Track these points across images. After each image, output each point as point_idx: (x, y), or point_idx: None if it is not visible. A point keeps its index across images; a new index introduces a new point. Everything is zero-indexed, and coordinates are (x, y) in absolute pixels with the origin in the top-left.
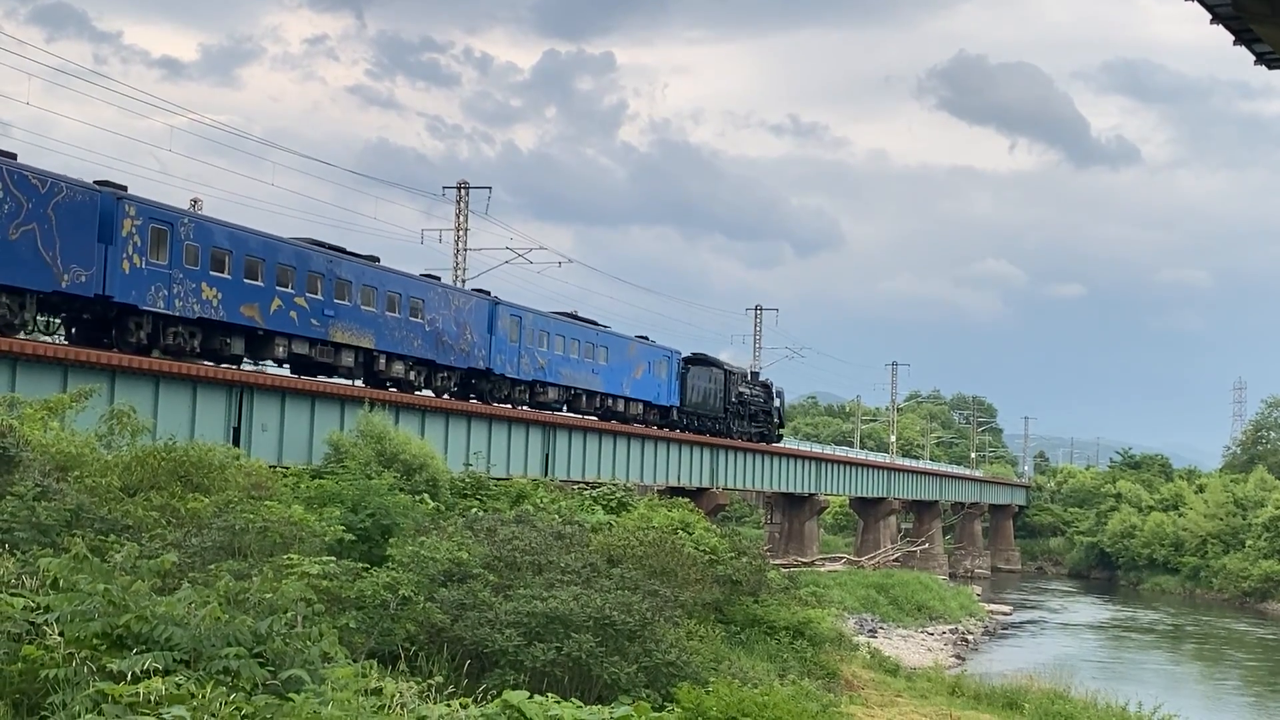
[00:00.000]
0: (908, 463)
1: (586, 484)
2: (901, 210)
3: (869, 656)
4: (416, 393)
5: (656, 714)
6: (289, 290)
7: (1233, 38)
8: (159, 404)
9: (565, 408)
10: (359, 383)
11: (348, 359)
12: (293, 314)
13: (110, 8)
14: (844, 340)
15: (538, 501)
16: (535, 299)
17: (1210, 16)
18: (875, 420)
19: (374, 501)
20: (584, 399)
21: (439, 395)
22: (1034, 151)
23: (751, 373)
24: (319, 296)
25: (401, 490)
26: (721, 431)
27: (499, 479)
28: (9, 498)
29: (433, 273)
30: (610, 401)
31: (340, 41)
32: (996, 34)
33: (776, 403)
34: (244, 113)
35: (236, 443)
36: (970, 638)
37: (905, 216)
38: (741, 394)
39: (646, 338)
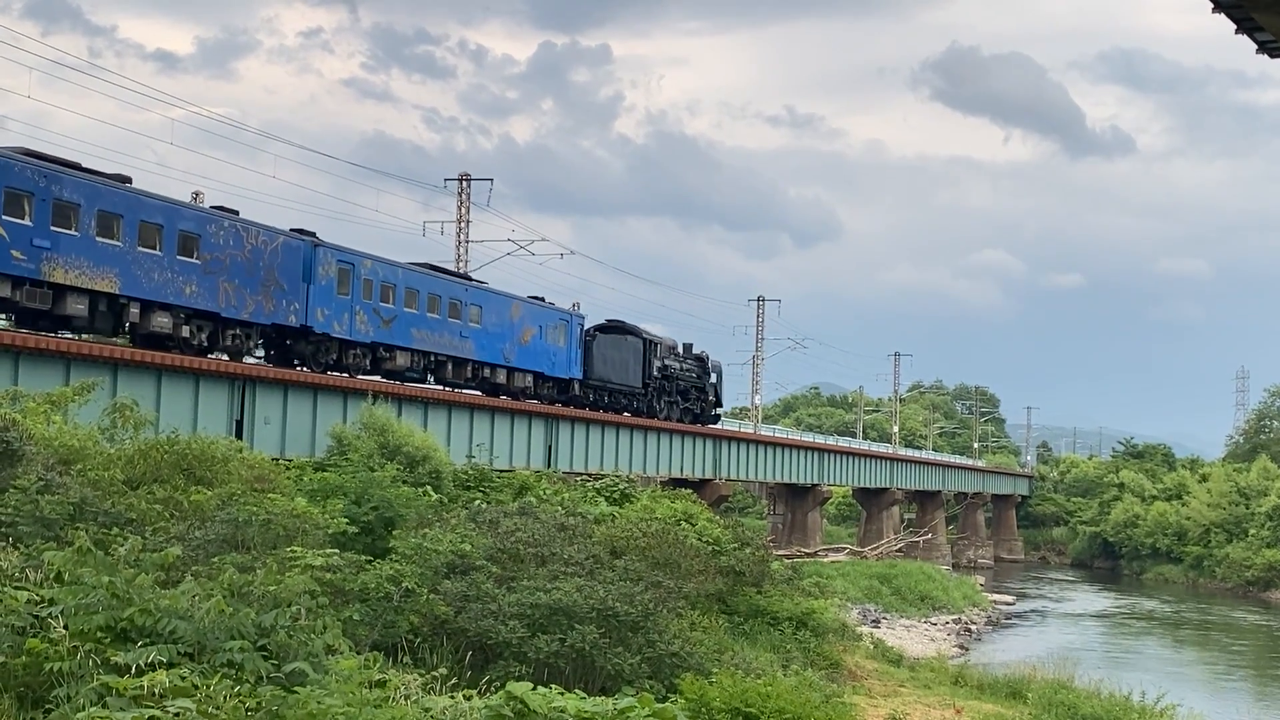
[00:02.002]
0: (910, 453)
1: (589, 476)
2: (899, 201)
3: (872, 647)
4: (210, 356)
5: (660, 705)
6: None
7: (1234, 26)
8: (161, 397)
9: (430, 378)
10: (99, 339)
11: (77, 306)
12: None
13: (104, 2)
14: (844, 331)
15: (541, 493)
16: (537, 290)
17: (1212, 5)
18: (878, 411)
19: (377, 494)
20: (450, 368)
21: (235, 358)
22: (1028, 142)
23: (684, 345)
24: (25, 221)
25: (404, 482)
26: (641, 410)
27: (502, 471)
28: (12, 491)
29: (435, 263)
30: (487, 371)
31: (335, 34)
32: (992, 25)
33: (713, 378)
34: (240, 105)
35: (239, 436)
36: (973, 628)
37: (903, 207)
38: (667, 367)
39: (542, 299)
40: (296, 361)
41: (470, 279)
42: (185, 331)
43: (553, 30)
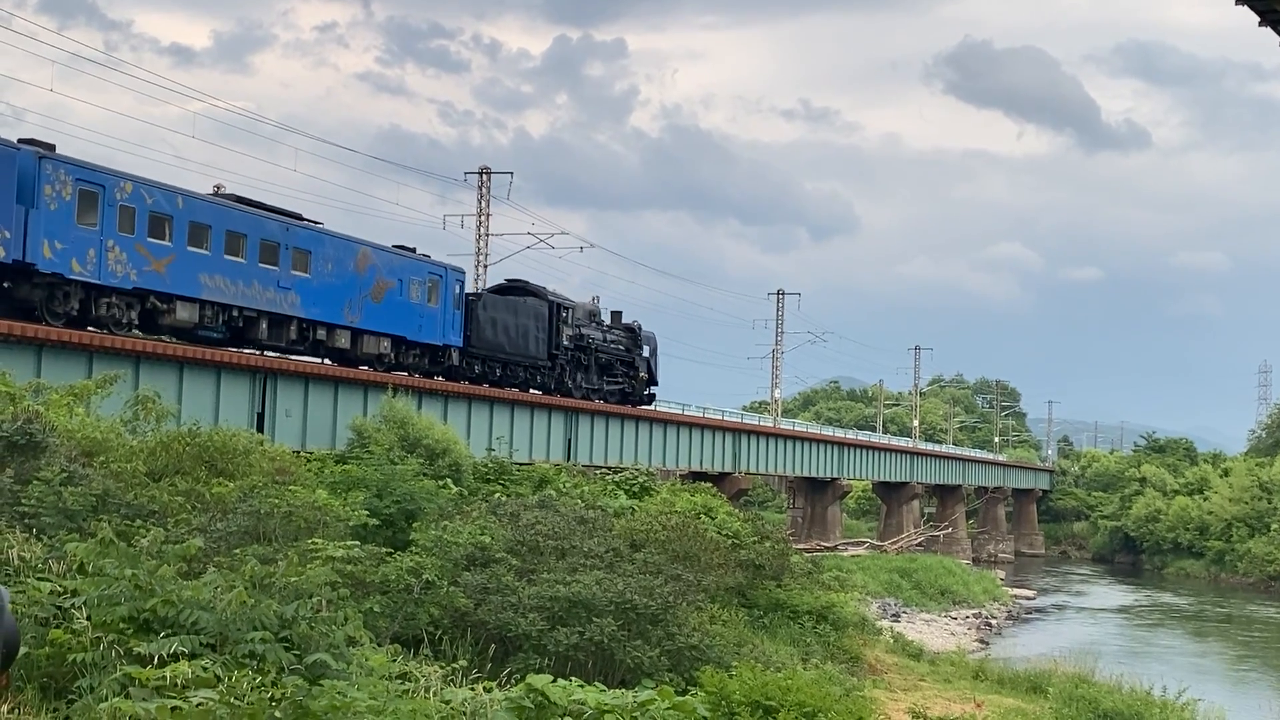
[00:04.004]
0: (931, 447)
1: (609, 469)
2: (916, 194)
3: (892, 641)
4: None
5: (680, 698)
6: None
7: (1257, 19)
8: (183, 390)
9: (238, 342)
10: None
11: None
12: None
13: None
14: (862, 324)
15: (560, 486)
16: (556, 284)
17: None
18: (898, 405)
19: (398, 486)
20: (264, 327)
21: None
22: (1043, 137)
23: (614, 313)
24: None
25: (425, 475)
26: (548, 387)
27: (521, 464)
28: (36, 483)
29: (456, 257)
30: (322, 333)
31: (349, 28)
32: (1005, 18)
33: (645, 352)
34: (256, 99)
35: (260, 428)
36: (994, 622)
37: (920, 200)
38: (584, 337)
39: (412, 249)
40: (35, 311)
41: (299, 217)
42: None
43: (567, 24)
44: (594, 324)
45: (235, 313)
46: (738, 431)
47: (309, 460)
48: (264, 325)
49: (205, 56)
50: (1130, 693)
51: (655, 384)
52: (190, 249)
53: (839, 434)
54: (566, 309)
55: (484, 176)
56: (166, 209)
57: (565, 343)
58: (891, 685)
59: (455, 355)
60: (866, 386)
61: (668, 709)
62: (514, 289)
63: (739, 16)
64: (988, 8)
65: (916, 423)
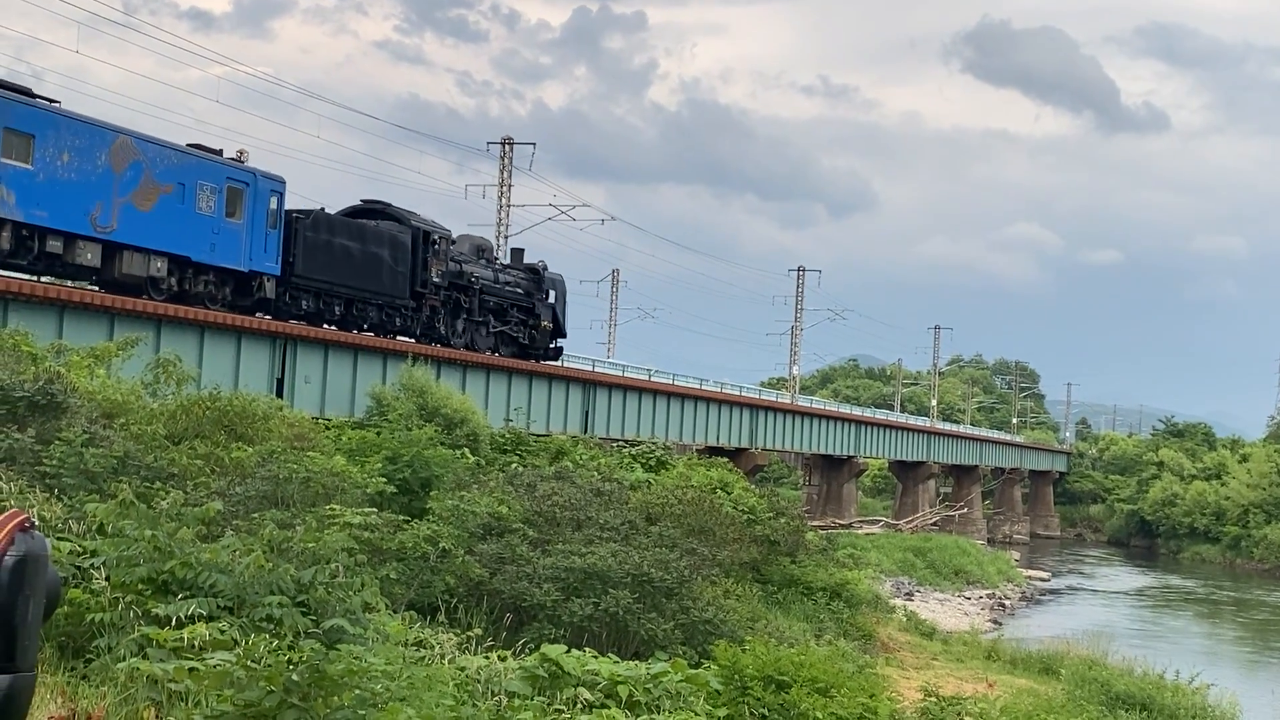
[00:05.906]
0: (948, 427)
1: (626, 442)
2: (934, 173)
3: (905, 619)
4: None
5: (693, 670)
6: None
7: None
8: (204, 354)
9: None
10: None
11: None
12: None
13: None
14: (880, 302)
15: (577, 458)
16: (576, 256)
17: None
18: (916, 384)
19: (415, 454)
20: None
21: None
22: (1060, 118)
23: (513, 250)
24: None
25: (442, 444)
26: (408, 330)
27: (539, 435)
28: (57, 443)
29: (476, 228)
30: (56, 244)
31: None
32: None
33: (550, 298)
34: (275, 64)
35: (280, 394)
36: (1007, 603)
37: (938, 179)
38: (466, 274)
39: (218, 151)
40: None
41: (29, 93)
42: None
43: None
44: (482, 261)
45: None
46: (755, 407)
47: (327, 427)
48: None
49: (225, 21)
50: (1142, 676)
51: (563, 336)
52: None
53: (856, 412)
54: (439, 239)
55: (506, 147)
56: None
57: (436, 279)
58: (904, 663)
59: (270, 286)
60: (885, 365)
61: (681, 681)
62: (367, 211)
63: None
64: None
65: (934, 402)
